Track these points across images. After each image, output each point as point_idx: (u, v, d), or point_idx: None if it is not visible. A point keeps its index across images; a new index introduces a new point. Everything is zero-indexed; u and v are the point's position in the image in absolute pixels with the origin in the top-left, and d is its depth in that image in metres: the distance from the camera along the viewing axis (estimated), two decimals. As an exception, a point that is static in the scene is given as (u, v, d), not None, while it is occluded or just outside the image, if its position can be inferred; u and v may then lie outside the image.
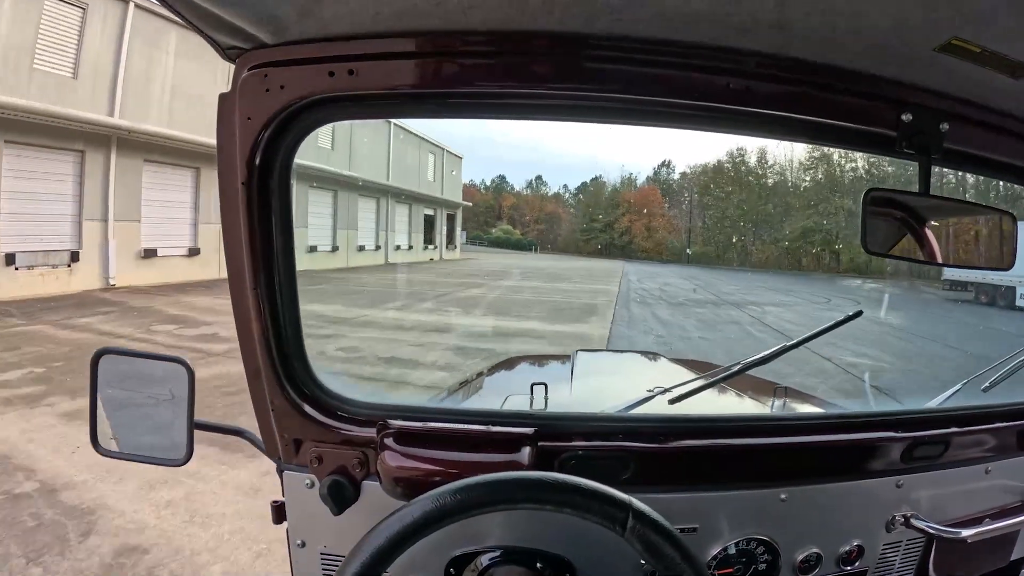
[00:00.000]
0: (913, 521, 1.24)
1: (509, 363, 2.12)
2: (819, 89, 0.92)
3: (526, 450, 1.01)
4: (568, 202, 44.42)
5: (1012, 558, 1.43)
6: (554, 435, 1.05)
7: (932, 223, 0.97)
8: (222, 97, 0.93)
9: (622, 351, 2.27)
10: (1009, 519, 1.30)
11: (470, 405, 1.67)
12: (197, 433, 1.15)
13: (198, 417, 1.16)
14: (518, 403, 1.49)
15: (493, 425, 1.02)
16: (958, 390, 1.40)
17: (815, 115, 0.94)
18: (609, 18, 0.81)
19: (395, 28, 0.84)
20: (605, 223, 40.05)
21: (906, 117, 0.95)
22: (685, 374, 1.56)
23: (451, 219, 25.74)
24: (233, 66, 0.93)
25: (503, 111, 0.91)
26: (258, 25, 0.85)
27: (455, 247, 25.83)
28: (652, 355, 2.24)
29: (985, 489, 1.35)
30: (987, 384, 1.41)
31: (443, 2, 0.79)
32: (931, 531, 1.24)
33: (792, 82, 0.91)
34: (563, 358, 1.96)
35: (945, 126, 0.98)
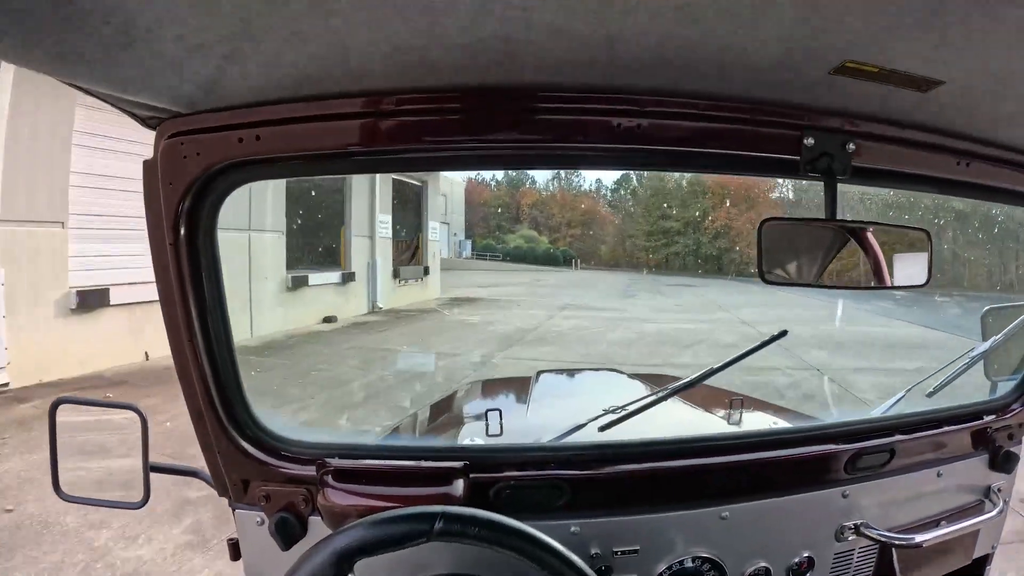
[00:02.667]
0: (864, 530, 1.26)
1: (471, 390, 2.15)
2: (718, 121, 0.94)
3: (459, 483, 1.04)
4: (608, 200, 33.31)
5: (975, 555, 1.44)
6: (487, 467, 1.09)
7: (838, 247, 0.99)
8: (145, 164, 0.98)
9: (582, 370, 2.29)
10: (967, 520, 1.32)
11: (429, 434, 1.71)
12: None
13: (154, 460, 1.21)
14: (475, 430, 1.52)
15: (425, 460, 1.06)
16: (902, 397, 1.41)
17: (717, 147, 0.96)
18: (499, 70, 0.84)
19: (295, 94, 0.87)
20: (684, 221, 26.79)
21: (808, 141, 0.97)
22: (639, 392, 1.58)
23: (411, 204, 12.93)
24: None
25: (406, 165, 0.95)
26: (168, 102, 0.90)
27: (428, 273, 13.36)
28: (612, 372, 2.26)
29: (938, 492, 1.36)
30: (931, 390, 1.42)
31: (336, 70, 0.82)
32: (883, 539, 1.26)
33: (689, 117, 0.93)
34: (525, 381, 1.99)
35: (851, 146, 0.99)
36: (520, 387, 1.97)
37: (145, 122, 0.96)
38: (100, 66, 0.75)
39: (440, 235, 14.85)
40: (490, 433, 1.38)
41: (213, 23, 0.67)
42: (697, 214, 26.63)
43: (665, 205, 27.61)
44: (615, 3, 0.68)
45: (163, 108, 0.92)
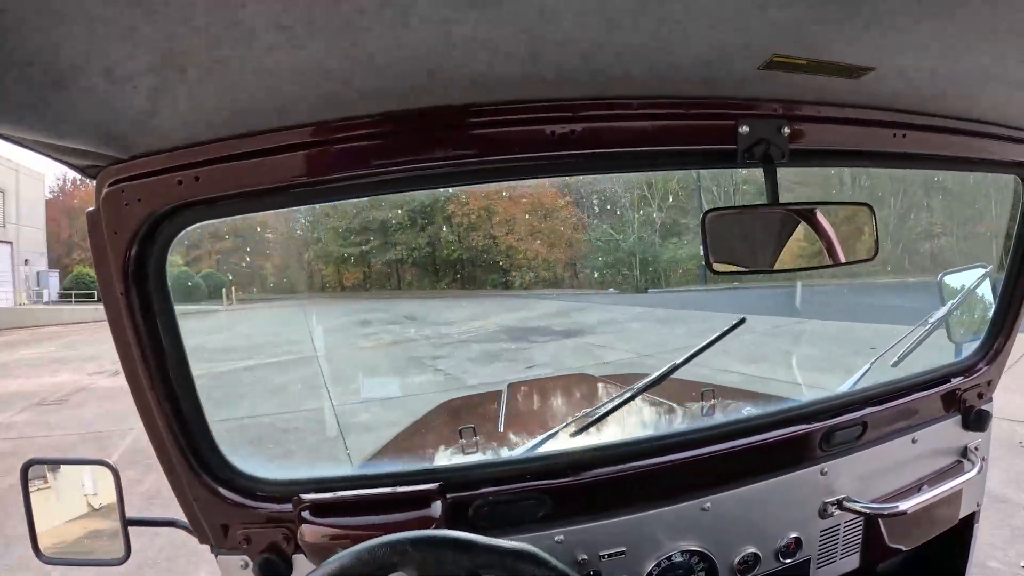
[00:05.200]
0: (847, 504, 1.27)
1: (443, 409, 2.15)
2: (652, 120, 0.96)
3: (436, 505, 1.04)
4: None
5: (961, 515, 1.47)
6: (463, 485, 1.08)
7: (786, 230, 1.01)
8: (89, 215, 0.97)
9: (552, 377, 2.30)
10: (948, 482, 1.34)
11: (406, 458, 1.70)
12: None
13: (130, 514, 1.19)
14: (451, 449, 1.52)
15: (399, 485, 1.05)
16: (868, 370, 1.44)
17: (654, 145, 0.98)
18: (428, 90, 0.85)
19: (229, 132, 0.87)
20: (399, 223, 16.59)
21: (743, 130, 0.98)
22: (610, 394, 1.59)
23: None
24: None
25: (348, 192, 0.96)
26: (105, 146, 0.89)
27: None
28: (582, 377, 2.26)
29: (916, 458, 1.39)
30: (895, 359, 1.45)
31: (267, 102, 0.83)
32: (867, 511, 1.28)
33: (623, 119, 0.94)
34: (496, 395, 1.99)
35: (787, 130, 1.01)
36: (492, 402, 1.96)
37: (85, 171, 0.95)
38: (31, 111, 0.74)
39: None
40: (467, 451, 1.37)
41: (136, 51, 0.66)
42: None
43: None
44: (536, 16, 0.69)
45: (100, 154, 0.91)
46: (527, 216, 16.01)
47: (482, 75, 0.82)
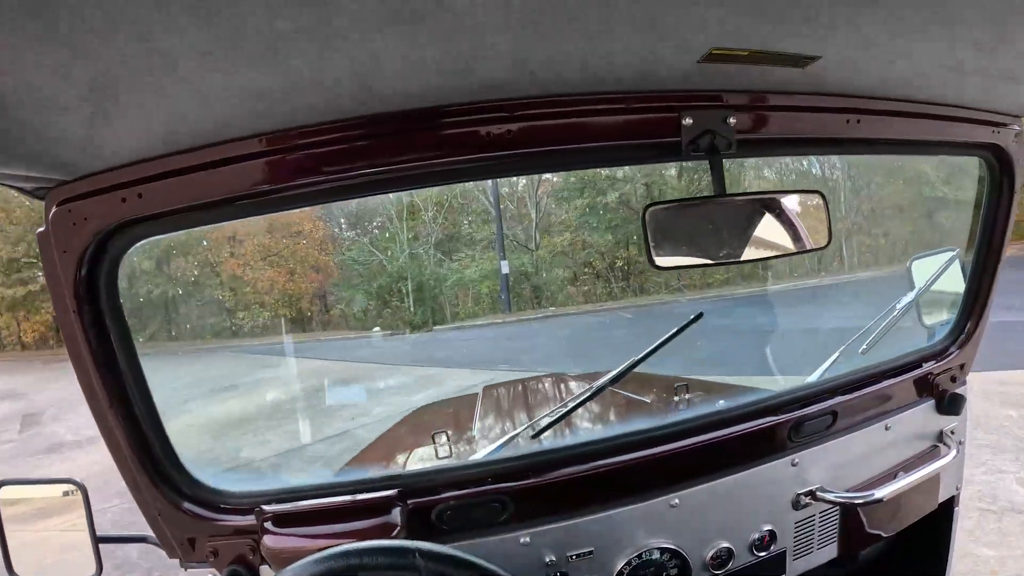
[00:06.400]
0: (820, 494, 1.26)
1: (418, 415, 2.14)
2: (590, 115, 0.95)
3: (396, 511, 1.04)
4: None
5: (940, 500, 1.45)
6: (424, 490, 1.08)
7: (734, 222, 1.00)
8: (39, 235, 0.98)
9: (527, 379, 2.29)
10: (924, 467, 1.33)
11: (378, 466, 1.70)
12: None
13: (101, 531, 1.20)
14: (423, 455, 1.52)
15: (359, 493, 1.05)
16: (836, 359, 1.43)
17: (594, 141, 0.97)
18: (356, 100, 0.85)
19: (169, 149, 0.88)
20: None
21: (687, 122, 0.97)
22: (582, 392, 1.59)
23: None
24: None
25: (286, 203, 0.96)
26: (50, 171, 0.90)
27: None
28: (560, 376, 2.26)
29: (890, 445, 1.37)
30: (864, 347, 1.44)
31: (204, 120, 0.83)
32: (841, 500, 1.27)
33: (559, 116, 0.93)
34: (472, 398, 1.99)
35: (732, 120, 1.00)
36: (467, 405, 1.96)
37: (32, 193, 0.96)
38: None
39: None
40: (439, 456, 1.37)
41: (68, 85, 0.67)
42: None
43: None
44: (459, 31, 0.69)
45: (47, 176, 0.92)
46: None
47: (413, 85, 0.83)
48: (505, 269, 9.29)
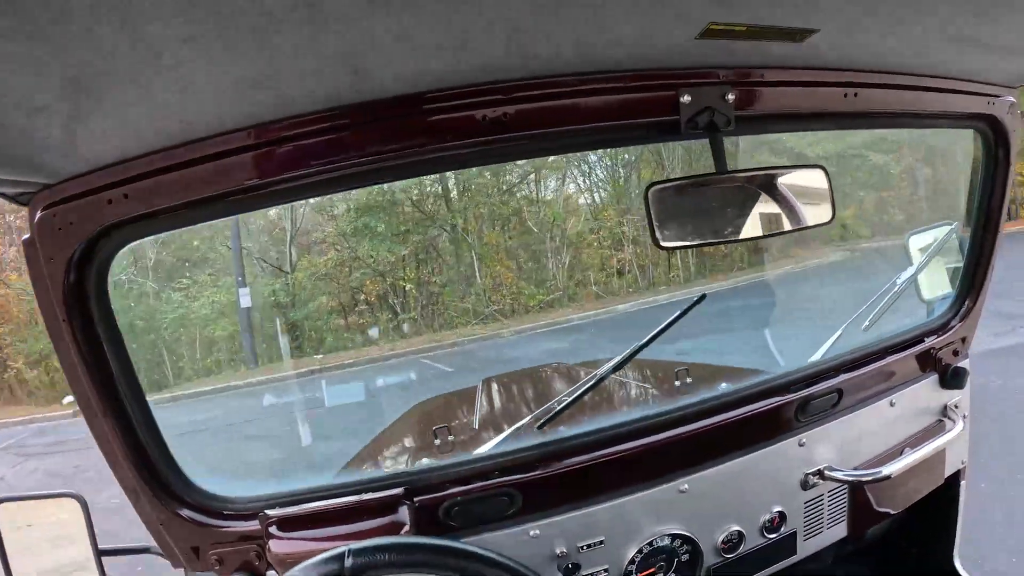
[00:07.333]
0: (828, 473, 1.26)
1: (417, 411, 2.12)
2: (587, 96, 0.93)
3: (403, 510, 1.02)
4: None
5: (947, 474, 1.46)
6: (430, 487, 1.07)
7: (737, 200, 0.98)
8: (25, 242, 0.94)
9: (527, 369, 2.27)
10: (930, 442, 1.33)
11: (380, 465, 1.68)
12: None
13: (103, 544, 1.18)
14: (425, 451, 1.49)
15: (365, 493, 1.03)
16: (840, 336, 1.43)
17: (592, 122, 0.95)
18: (352, 87, 0.83)
19: (153, 147, 0.86)
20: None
21: (685, 99, 0.96)
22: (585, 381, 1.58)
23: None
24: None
25: (278, 197, 0.94)
26: (33, 174, 0.87)
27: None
28: (558, 366, 2.24)
29: (895, 421, 1.38)
30: (866, 323, 1.44)
31: (188, 115, 0.81)
32: (849, 479, 1.27)
33: (556, 97, 0.92)
34: (472, 391, 1.97)
35: (731, 96, 0.98)
36: (467, 399, 1.94)
37: (15, 199, 0.93)
38: None
39: None
40: (441, 452, 1.35)
41: (46, 82, 0.65)
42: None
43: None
44: (453, 8, 0.66)
45: (30, 181, 0.89)
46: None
47: (407, 68, 0.80)
48: (246, 301, 6.09)
